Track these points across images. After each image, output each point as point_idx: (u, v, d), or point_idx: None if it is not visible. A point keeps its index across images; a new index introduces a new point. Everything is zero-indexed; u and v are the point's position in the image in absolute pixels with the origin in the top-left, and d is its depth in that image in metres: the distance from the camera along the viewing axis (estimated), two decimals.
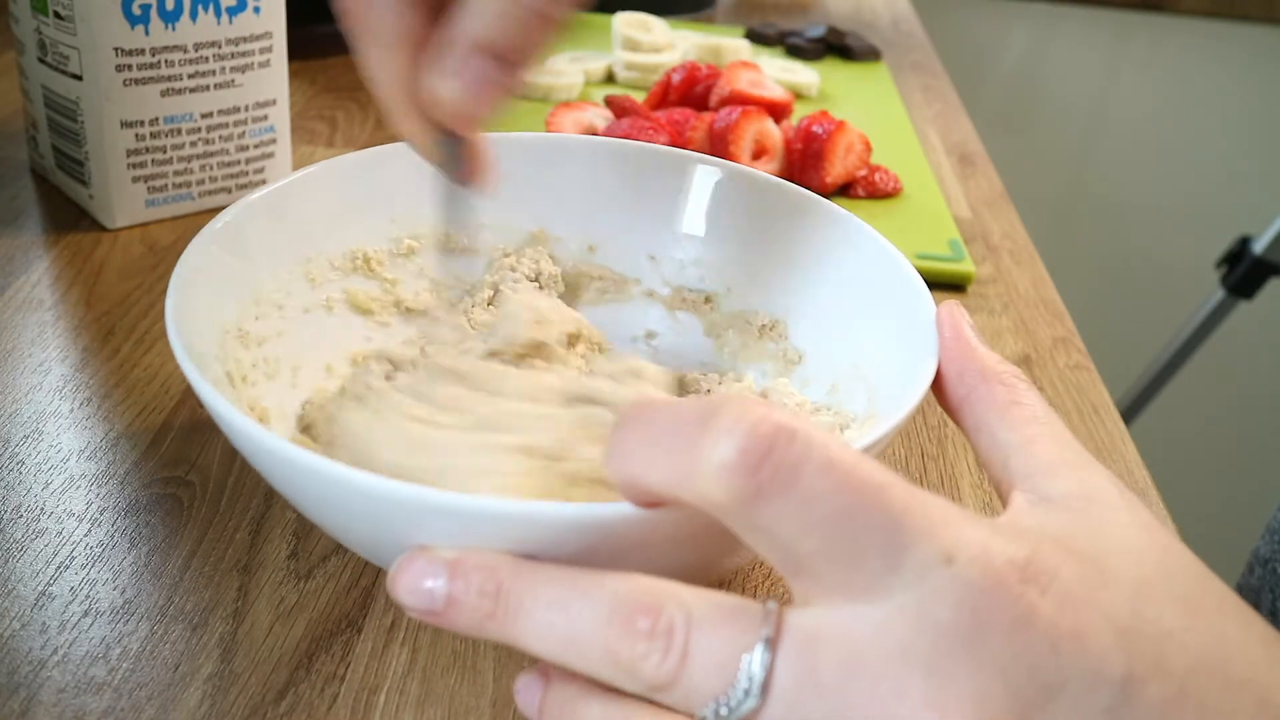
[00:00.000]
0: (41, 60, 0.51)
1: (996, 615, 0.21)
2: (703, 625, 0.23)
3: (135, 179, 0.51)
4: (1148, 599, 0.23)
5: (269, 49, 0.53)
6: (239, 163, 0.54)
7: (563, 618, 0.23)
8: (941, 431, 0.44)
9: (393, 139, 0.36)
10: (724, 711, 0.22)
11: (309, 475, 0.26)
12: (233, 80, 0.52)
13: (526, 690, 0.26)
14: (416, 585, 0.25)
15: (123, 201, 0.51)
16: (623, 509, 0.24)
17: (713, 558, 0.28)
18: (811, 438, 0.22)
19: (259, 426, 0.27)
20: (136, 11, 0.48)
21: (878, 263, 0.37)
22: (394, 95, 0.30)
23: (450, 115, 0.29)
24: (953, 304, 0.32)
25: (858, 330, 0.38)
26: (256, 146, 0.54)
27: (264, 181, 0.55)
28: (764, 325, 0.42)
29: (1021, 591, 0.22)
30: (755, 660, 0.22)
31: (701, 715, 0.22)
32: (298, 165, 0.59)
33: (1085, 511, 0.25)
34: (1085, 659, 0.21)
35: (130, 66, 0.48)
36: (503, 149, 0.40)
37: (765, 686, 0.22)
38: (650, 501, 0.24)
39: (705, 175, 0.42)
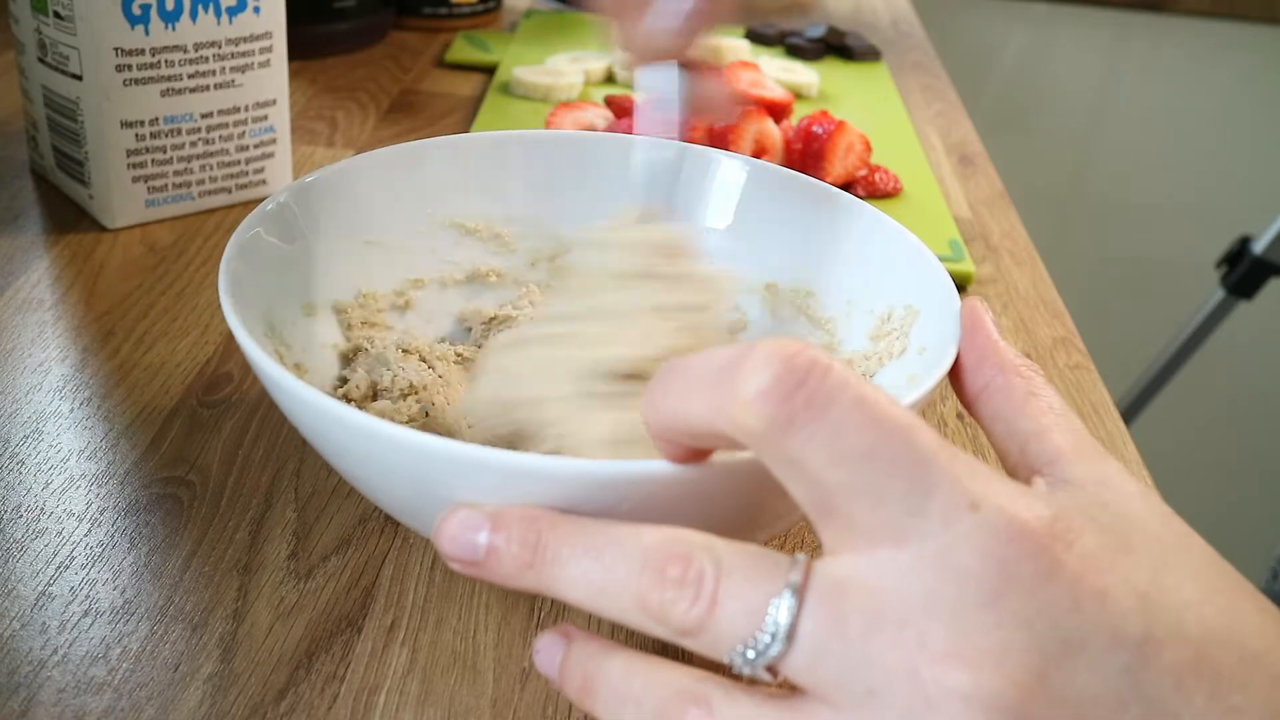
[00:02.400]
0: (41, 60, 0.51)
1: (1022, 567, 0.22)
2: (732, 573, 0.23)
3: (135, 179, 0.51)
4: (1168, 570, 0.23)
5: (269, 49, 0.53)
6: (239, 163, 0.54)
7: (597, 566, 0.24)
8: (942, 430, 0.44)
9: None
10: (750, 655, 0.22)
11: (352, 432, 0.27)
12: (233, 80, 0.52)
13: (547, 650, 0.26)
14: (459, 536, 0.26)
15: (123, 201, 0.51)
16: (658, 466, 0.25)
17: (747, 519, 0.29)
18: (846, 375, 0.23)
19: (301, 382, 0.28)
20: (136, 11, 0.48)
21: (908, 258, 0.38)
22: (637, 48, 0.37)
23: (663, 46, 0.36)
24: (978, 299, 0.32)
25: (884, 316, 0.39)
26: (256, 146, 0.54)
27: (264, 182, 0.55)
28: (790, 314, 0.42)
29: (1048, 545, 0.22)
30: (782, 606, 0.22)
31: (728, 659, 0.23)
32: (298, 165, 0.59)
33: (1104, 494, 0.25)
34: (1106, 618, 0.22)
35: (130, 66, 0.49)
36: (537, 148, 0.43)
37: (791, 632, 0.22)
38: (687, 450, 0.25)
39: (731, 170, 0.43)
